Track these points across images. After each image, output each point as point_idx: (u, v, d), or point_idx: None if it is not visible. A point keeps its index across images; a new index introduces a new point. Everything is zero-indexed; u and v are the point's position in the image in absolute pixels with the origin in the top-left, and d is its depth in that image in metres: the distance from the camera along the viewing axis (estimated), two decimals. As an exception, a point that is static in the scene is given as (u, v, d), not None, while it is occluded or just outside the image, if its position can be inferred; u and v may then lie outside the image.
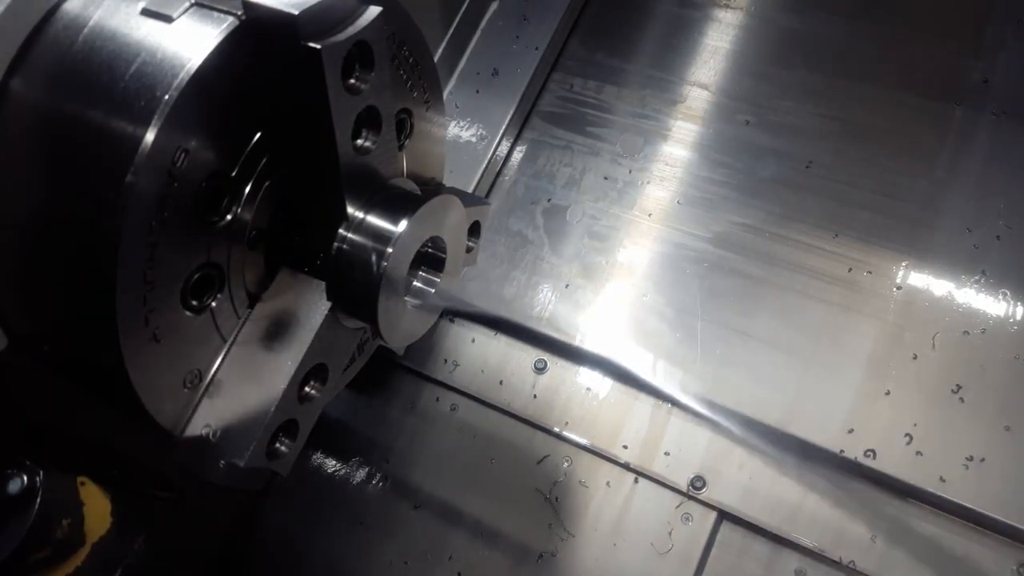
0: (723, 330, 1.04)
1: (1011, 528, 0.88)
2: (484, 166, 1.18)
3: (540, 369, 1.08)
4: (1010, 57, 1.12)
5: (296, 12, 0.56)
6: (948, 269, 1.02)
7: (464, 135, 1.20)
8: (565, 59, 1.29)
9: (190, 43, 0.57)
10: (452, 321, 1.14)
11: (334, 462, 1.10)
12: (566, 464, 1.03)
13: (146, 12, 0.59)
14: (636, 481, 1.00)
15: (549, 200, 1.18)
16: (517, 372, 1.09)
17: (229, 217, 0.66)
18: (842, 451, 0.94)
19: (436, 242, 0.78)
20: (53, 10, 0.60)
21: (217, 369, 0.69)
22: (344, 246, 0.69)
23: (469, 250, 0.89)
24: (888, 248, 1.04)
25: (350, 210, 0.70)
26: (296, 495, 1.10)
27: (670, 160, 1.17)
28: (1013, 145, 1.07)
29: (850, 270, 1.04)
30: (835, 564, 0.91)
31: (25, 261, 0.61)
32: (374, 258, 0.69)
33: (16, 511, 0.73)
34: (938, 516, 0.91)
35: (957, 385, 0.95)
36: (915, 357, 0.98)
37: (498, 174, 1.22)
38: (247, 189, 0.66)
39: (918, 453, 0.93)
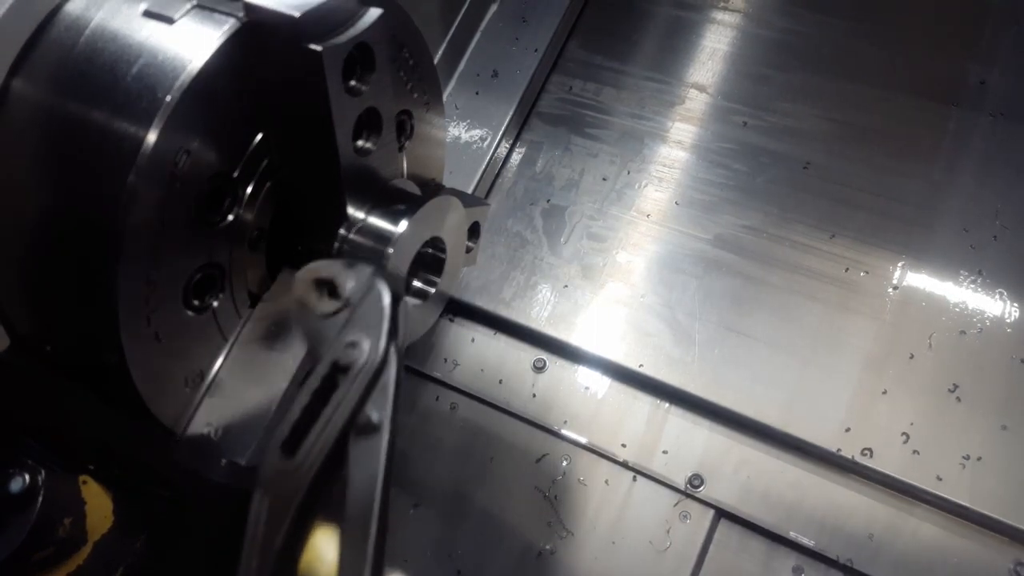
0: (721, 330, 1.04)
1: (1008, 527, 0.88)
2: (484, 167, 1.18)
3: (539, 368, 1.09)
4: (1007, 59, 1.13)
5: (297, 14, 0.57)
6: (945, 269, 1.02)
7: (464, 136, 1.21)
8: (564, 61, 1.29)
9: (191, 45, 0.58)
10: (452, 320, 1.14)
11: (334, 461, 1.11)
12: (565, 462, 1.03)
13: (148, 14, 0.60)
14: (635, 479, 1.01)
15: (548, 201, 1.19)
16: (516, 371, 1.09)
17: (231, 218, 0.66)
18: (839, 450, 0.94)
19: (436, 243, 0.78)
20: (55, 11, 0.61)
21: (219, 368, 0.70)
22: (345, 247, 0.70)
23: (469, 250, 0.90)
24: (885, 248, 1.05)
25: (351, 211, 0.70)
26: (296, 494, 1.10)
27: (668, 161, 1.18)
28: (1010, 146, 1.08)
29: (847, 270, 1.05)
30: (832, 563, 0.91)
31: (28, 262, 0.62)
32: (375, 258, 0.69)
33: (18, 510, 0.73)
34: (935, 515, 0.92)
35: (954, 384, 0.96)
36: (912, 357, 0.98)
37: (497, 175, 1.22)
38: (248, 190, 0.67)
39: (915, 452, 0.93)
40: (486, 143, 1.20)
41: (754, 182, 1.13)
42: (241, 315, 0.71)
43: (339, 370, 0.50)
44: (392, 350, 0.51)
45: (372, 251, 0.69)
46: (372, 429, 0.50)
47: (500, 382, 1.09)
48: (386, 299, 0.52)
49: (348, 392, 0.49)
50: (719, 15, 1.26)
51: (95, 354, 0.63)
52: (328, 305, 0.52)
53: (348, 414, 0.49)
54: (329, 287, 0.53)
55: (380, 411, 0.50)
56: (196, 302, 0.66)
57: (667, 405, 1.03)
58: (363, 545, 0.48)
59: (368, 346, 0.50)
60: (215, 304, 0.68)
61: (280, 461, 0.49)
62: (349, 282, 0.52)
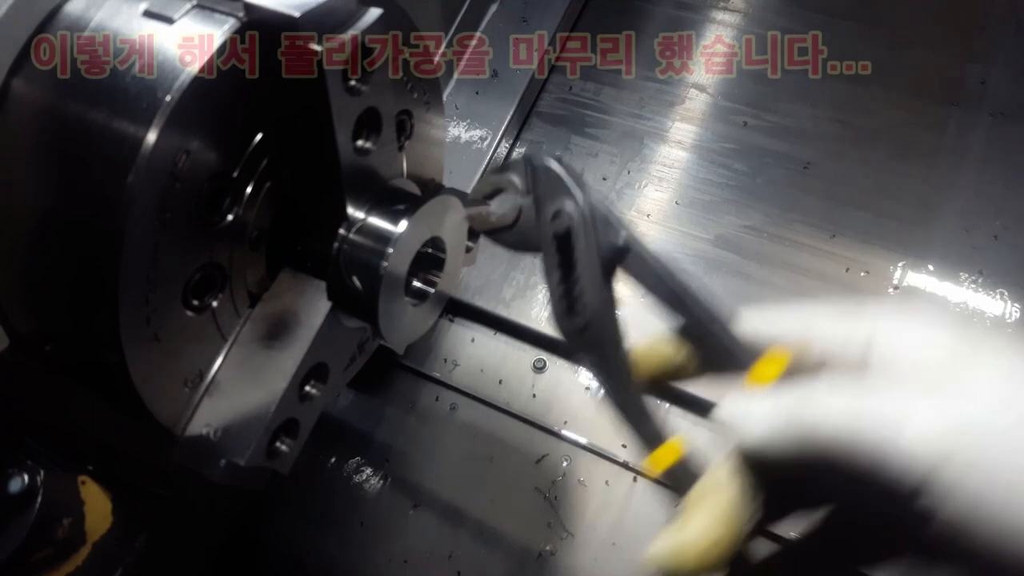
0: (721, 330, 1.04)
1: (1008, 527, 0.88)
2: (484, 167, 1.18)
3: (539, 368, 1.09)
4: (1008, 59, 1.13)
5: (297, 14, 0.57)
6: (945, 269, 1.02)
7: (464, 136, 1.21)
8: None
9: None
10: (452, 321, 1.14)
11: (334, 461, 1.11)
12: (565, 463, 1.03)
13: (148, 14, 0.60)
14: (635, 480, 1.01)
15: (548, 201, 1.18)
16: (516, 371, 1.09)
17: (231, 218, 0.66)
18: (840, 450, 0.94)
19: (436, 242, 0.78)
20: (55, 11, 0.61)
21: (218, 369, 0.70)
22: (345, 246, 0.70)
23: (468, 250, 0.90)
24: (885, 248, 1.05)
25: (350, 211, 0.70)
26: (296, 494, 1.11)
27: (668, 161, 1.18)
28: (1010, 146, 1.08)
29: (847, 270, 1.05)
30: (833, 563, 0.91)
31: (27, 261, 0.62)
32: (374, 258, 0.69)
33: (17, 510, 0.73)
34: (935, 515, 0.92)
35: (954, 385, 0.96)
36: (912, 357, 0.98)
37: (497, 175, 1.22)
38: (248, 190, 0.67)
39: (915, 452, 0.93)
40: (486, 143, 1.20)
41: (754, 182, 1.13)
42: (241, 315, 0.71)
43: (562, 239, 0.58)
44: (586, 192, 0.60)
45: (372, 251, 0.69)
46: (624, 251, 0.61)
47: (500, 382, 1.09)
48: (553, 165, 0.60)
49: (583, 246, 0.59)
50: (719, 15, 1.26)
51: (95, 354, 0.63)
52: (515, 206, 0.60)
53: (595, 260, 0.59)
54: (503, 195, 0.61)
55: (616, 235, 0.61)
56: (196, 302, 0.66)
57: (667, 405, 1.03)
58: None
59: (571, 206, 0.60)
60: (215, 304, 0.68)
61: (571, 323, 0.58)
62: (516, 181, 0.60)
